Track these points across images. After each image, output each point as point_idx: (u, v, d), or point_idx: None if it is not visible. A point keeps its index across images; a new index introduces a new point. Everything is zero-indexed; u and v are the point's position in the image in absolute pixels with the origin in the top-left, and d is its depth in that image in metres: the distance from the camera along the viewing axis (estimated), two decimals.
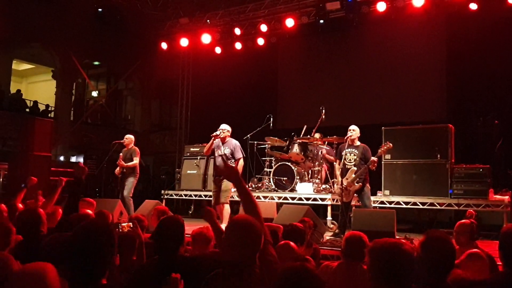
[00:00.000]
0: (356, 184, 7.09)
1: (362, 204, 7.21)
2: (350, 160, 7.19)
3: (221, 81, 13.26)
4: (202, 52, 12.99)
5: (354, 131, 7.27)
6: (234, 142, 7.53)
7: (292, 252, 3.44)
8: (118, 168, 8.81)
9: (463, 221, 4.38)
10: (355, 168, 7.10)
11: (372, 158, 7.03)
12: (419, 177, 8.33)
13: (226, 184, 7.37)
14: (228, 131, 7.54)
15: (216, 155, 7.58)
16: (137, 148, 8.88)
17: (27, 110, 17.12)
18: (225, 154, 7.43)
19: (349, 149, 7.22)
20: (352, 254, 3.29)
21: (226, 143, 7.49)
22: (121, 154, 8.89)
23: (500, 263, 2.75)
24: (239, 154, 7.45)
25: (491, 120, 9.18)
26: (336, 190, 7.61)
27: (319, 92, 12.27)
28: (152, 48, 13.80)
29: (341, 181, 7.14)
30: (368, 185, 7.25)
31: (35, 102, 17.63)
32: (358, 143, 7.28)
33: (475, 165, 8.15)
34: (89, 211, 4.44)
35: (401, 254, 2.17)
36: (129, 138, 9.03)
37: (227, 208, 7.45)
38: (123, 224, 3.43)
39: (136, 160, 8.70)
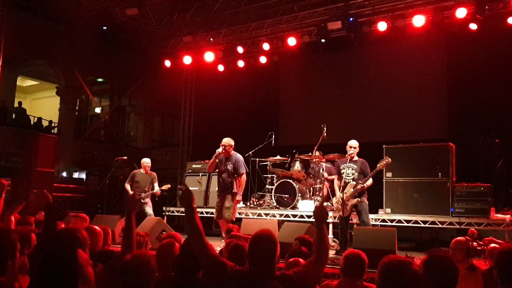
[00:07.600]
0: (354, 198, 7.09)
1: (360, 220, 7.16)
2: (348, 174, 7.19)
3: (223, 99, 13.37)
4: (205, 70, 13.13)
5: (355, 148, 7.28)
6: (237, 157, 7.52)
7: None
8: (146, 194, 8.78)
9: (458, 238, 4.39)
10: (354, 183, 7.11)
11: (369, 178, 7.04)
12: (420, 195, 8.33)
13: (230, 200, 7.38)
14: (231, 145, 7.51)
15: (219, 170, 7.58)
16: (155, 174, 9.00)
17: (31, 126, 17.21)
18: (228, 170, 7.44)
19: (347, 164, 7.24)
20: (351, 272, 3.30)
21: (229, 157, 7.49)
22: (137, 180, 8.75)
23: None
24: (242, 169, 7.44)
25: (492, 139, 9.21)
26: (335, 205, 7.59)
27: (320, 110, 12.33)
28: (155, 65, 13.95)
29: (339, 195, 7.15)
30: (366, 201, 7.21)
31: (39, 118, 17.73)
32: (356, 158, 7.28)
33: (476, 183, 8.15)
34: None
35: (408, 273, 2.20)
36: (150, 163, 8.98)
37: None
38: None
39: (157, 187, 8.79)
